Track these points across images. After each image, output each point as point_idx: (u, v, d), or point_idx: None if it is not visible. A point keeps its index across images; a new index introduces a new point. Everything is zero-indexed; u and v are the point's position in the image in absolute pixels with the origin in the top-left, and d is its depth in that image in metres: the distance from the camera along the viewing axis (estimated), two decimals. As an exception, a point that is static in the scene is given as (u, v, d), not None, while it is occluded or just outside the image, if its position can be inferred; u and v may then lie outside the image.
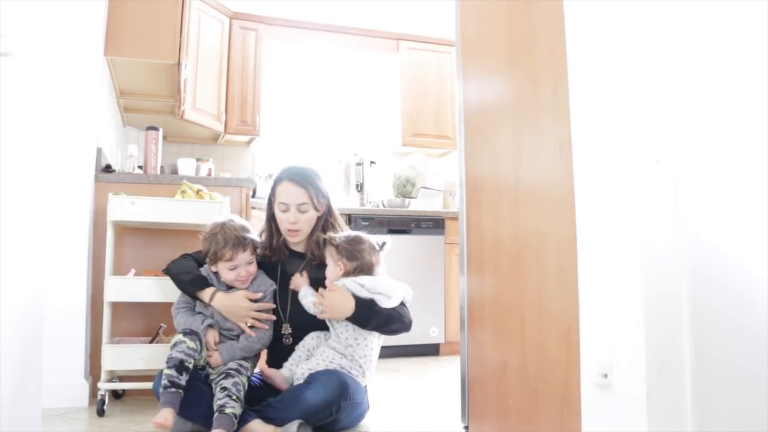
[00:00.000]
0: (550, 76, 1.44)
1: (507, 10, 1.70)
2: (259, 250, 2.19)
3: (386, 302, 2.07)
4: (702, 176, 1.19)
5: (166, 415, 1.76)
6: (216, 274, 2.12)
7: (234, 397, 1.85)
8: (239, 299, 2.06)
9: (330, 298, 2.01)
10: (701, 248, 1.16)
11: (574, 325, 1.29)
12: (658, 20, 1.22)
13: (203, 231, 2.13)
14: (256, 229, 2.23)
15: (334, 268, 2.09)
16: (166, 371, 1.85)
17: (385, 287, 2.08)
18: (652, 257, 1.15)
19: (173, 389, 1.82)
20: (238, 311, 2.06)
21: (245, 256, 2.08)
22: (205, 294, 2.07)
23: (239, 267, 2.07)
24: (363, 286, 2.04)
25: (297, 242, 2.21)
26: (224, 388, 1.88)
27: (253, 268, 2.12)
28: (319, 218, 2.21)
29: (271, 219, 2.22)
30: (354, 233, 2.13)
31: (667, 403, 1.12)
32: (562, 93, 1.37)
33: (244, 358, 2.05)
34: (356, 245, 2.09)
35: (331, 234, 2.14)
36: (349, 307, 2.00)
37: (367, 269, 2.09)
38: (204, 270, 2.14)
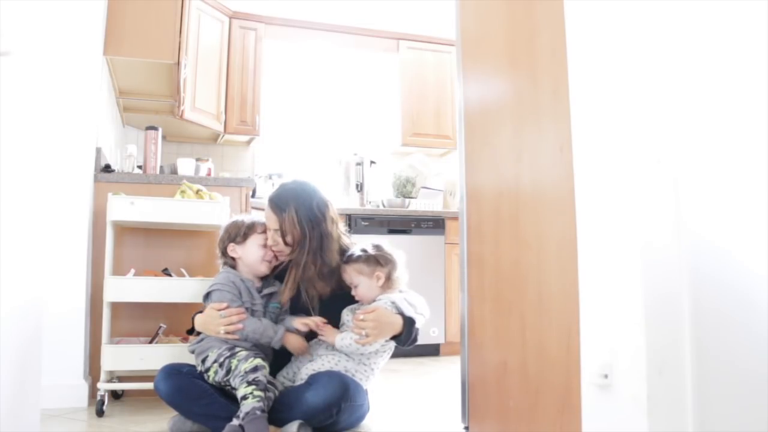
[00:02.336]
0: (551, 76, 1.44)
1: (507, 10, 1.70)
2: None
3: (421, 322, 2.07)
4: (702, 176, 1.19)
5: None
6: (233, 267, 2.10)
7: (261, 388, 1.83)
8: (208, 313, 2.00)
9: (375, 319, 1.94)
10: (702, 248, 1.16)
11: (574, 325, 1.29)
12: (658, 20, 1.22)
13: (223, 225, 2.16)
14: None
15: (369, 282, 2.03)
16: (258, 392, 1.80)
17: (427, 309, 2.09)
18: (653, 257, 1.15)
19: (266, 414, 1.78)
20: (210, 324, 1.98)
21: (272, 233, 2.08)
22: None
23: (268, 244, 2.08)
24: (412, 305, 2.02)
25: (283, 260, 2.13)
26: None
27: (274, 256, 2.11)
28: (300, 244, 2.05)
29: None
30: (363, 245, 2.10)
31: (667, 404, 1.12)
32: (563, 93, 1.36)
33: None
34: (382, 250, 2.07)
35: (347, 256, 2.08)
36: (397, 324, 1.97)
37: (396, 269, 2.07)
38: (225, 280, 2.06)
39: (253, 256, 2.08)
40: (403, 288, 2.11)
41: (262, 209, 3.33)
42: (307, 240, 2.04)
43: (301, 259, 2.05)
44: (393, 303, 2.00)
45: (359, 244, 2.14)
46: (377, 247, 2.08)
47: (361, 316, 1.95)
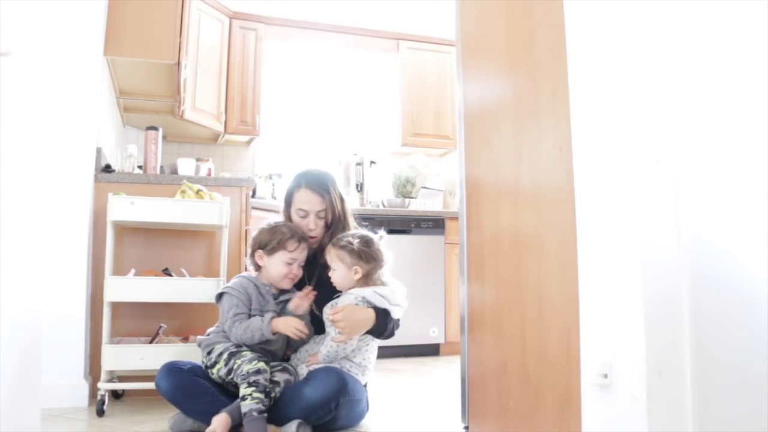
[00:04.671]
0: (550, 76, 1.44)
1: (507, 10, 1.70)
2: None
3: (399, 312, 2.07)
4: (702, 176, 1.19)
5: None
6: (256, 270, 2.11)
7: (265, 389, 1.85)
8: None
9: (346, 319, 1.95)
10: (701, 248, 1.16)
11: (574, 325, 1.29)
12: (658, 20, 1.22)
13: (262, 224, 2.15)
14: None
15: (347, 272, 2.03)
16: (257, 394, 1.81)
17: (401, 298, 2.08)
18: (653, 257, 1.15)
19: (265, 413, 1.81)
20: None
21: (304, 255, 2.10)
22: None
23: (295, 263, 2.07)
24: (384, 297, 2.02)
25: (314, 246, 2.20)
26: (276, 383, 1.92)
27: (301, 272, 2.11)
28: (336, 221, 2.20)
29: (288, 220, 2.23)
30: (358, 233, 2.10)
31: (667, 404, 1.12)
32: (562, 93, 1.36)
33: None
34: (371, 246, 2.05)
35: (338, 237, 2.10)
36: (370, 320, 1.99)
37: (380, 269, 2.07)
38: (244, 284, 2.06)
39: (276, 271, 2.07)
40: (385, 280, 2.09)
41: (262, 209, 3.35)
42: (343, 215, 2.21)
43: (337, 233, 2.15)
44: (363, 298, 2.00)
45: (355, 230, 2.19)
46: (367, 243, 2.06)
47: (331, 317, 1.96)
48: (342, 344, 1.97)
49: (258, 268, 2.11)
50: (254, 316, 2.01)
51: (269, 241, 2.07)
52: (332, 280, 2.07)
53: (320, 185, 2.20)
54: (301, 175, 2.26)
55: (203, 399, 1.91)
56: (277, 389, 1.90)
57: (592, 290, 1.25)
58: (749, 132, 1.16)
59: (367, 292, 2.01)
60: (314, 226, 2.17)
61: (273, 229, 2.10)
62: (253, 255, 2.11)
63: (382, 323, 2.02)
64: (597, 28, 1.28)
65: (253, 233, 2.16)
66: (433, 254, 3.95)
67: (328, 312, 2.00)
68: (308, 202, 2.17)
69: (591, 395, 1.24)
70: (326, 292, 2.09)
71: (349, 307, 1.98)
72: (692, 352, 1.13)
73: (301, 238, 2.10)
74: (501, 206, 1.69)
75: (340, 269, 2.04)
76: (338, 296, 2.06)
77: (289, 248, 2.06)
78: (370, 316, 1.99)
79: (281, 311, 2.06)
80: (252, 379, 1.83)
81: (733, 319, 1.14)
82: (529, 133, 1.56)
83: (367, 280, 2.05)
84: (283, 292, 2.11)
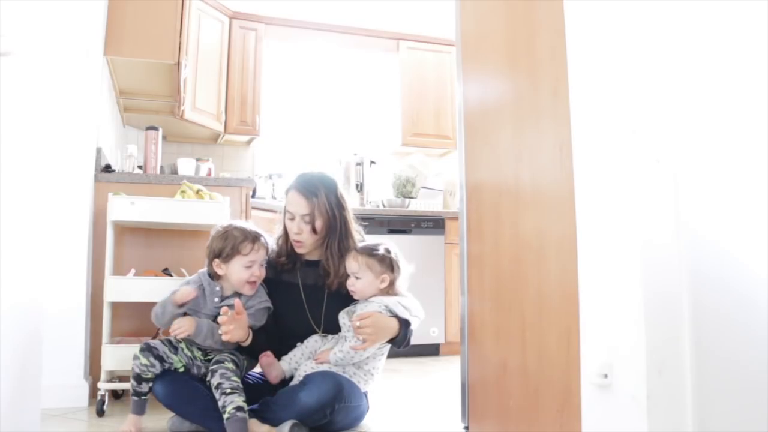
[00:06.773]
0: (550, 76, 1.44)
1: (507, 10, 1.70)
2: (272, 256, 2.15)
3: (416, 324, 2.07)
4: (702, 176, 1.19)
5: (133, 423, 1.92)
6: (214, 280, 2.02)
7: (227, 391, 1.83)
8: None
9: (372, 324, 1.92)
10: (701, 248, 1.16)
11: (574, 325, 1.29)
12: (658, 20, 1.22)
13: (213, 231, 2.04)
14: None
15: (374, 281, 2.00)
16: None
17: (422, 311, 2.08)
18: (653, 257, 1.15)
19: (136, 398, 1.91)
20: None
21: (262, 254, 2.01)
22: None
23: (255, 265, 1.99)
24: (407, 308, 2.01)
25: (302, 252, 2.14)
26: (216, 386, 1.86)
27: (264, 272, 2.03)
28: (330, 229, 2.10)
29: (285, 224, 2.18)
30: (381, 244, 2.08)
31: (667, 404, 1.12)
32: (562, 93, 1.36)
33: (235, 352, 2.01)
34: (397, 257, 2.07)
35: (363, 246, 2.08)
36: (393, 329, 1.98)
37: (399, 280, 2.07)
38: (196, 279, 2.04)
39: (236, 277, 1.98)
40: (402, 292, 2.09)
41: (262, 209, 3.35)
42: (337, 224, 2.10)
43: (333, 244, 2.09)
44: (386, 306, 1.98)
45: (368, 240, 2.16)
46: (391, 251, 2.07)
47: (358, 322, 1.93)
48: (360, 351, 1.95)
49: (218, 277, 2.02)
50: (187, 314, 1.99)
51: (223, 248, 1.97)
52: (354, 287, 2.02)
53: (309, 188, 2.09)
54: (296, 177, 2.18)
55: (199, 403, 1.90)
56: (234, 378, 1.87)
57: (592, 290, 1.25)
58: (749, 132, 1.16)
59: (391, 301, 1.99)
60: (298, 230, 2.07)
61: (225, 235, 1.99)
62: (211, 265, 2.01)
63: (404, 333, 2.00)
64: (597, 28, 1.28)
65: (209, 241, 2.04)
66: (433, 254, 3.95)
67: (351, 318, 1.96)
68: (294, 204, 2.08)
69: (591, 395, 1.24)
70: (318, 298, 2.10)
71: (376, 313, 1.95)
72: (692, 352, 1.13)
73: (255, 237, 2.00)
74: (501, 206, 1.69)
75: (366, 277, 2.00)
76: (355, 303, 2.04)
77: (244, 252, 1.96)
78: (394, 326, 1.97)
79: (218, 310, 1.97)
80: (220, 389, 1.84)
81: (733, 319, 1.14)
82: (529, 133, 1.56)
83: (389, 289, 2.04)
84: (235, 292, 2.02)
